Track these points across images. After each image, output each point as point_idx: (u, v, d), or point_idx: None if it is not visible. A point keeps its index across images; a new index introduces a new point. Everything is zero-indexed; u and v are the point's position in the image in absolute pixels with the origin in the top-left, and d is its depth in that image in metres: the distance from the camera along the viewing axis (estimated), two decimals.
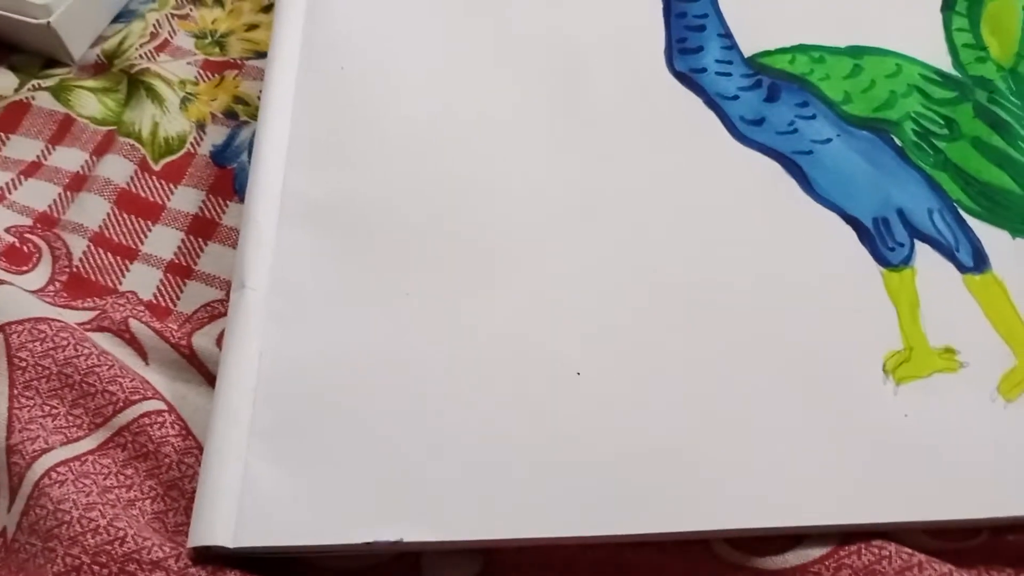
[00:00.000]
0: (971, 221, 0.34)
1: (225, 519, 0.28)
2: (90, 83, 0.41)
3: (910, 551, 0.28)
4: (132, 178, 0.38)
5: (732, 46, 0.39)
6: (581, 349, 0.32)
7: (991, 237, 0.34)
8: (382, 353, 0.32)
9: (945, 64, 0.38)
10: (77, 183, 0.38)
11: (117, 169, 0.38)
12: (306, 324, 0.32)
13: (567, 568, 0.30)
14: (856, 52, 0.39)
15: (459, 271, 0.33)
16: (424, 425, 0.30)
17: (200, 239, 0.37)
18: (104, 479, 0.30)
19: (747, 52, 0.39)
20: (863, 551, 0.28)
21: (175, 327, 0.34)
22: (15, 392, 0.31)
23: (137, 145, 0.39)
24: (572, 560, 0.30)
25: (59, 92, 0.40)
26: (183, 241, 0.37)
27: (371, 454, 0.30)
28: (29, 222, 0.36)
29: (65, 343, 0.32)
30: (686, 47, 0.39)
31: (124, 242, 0.36)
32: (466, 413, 0.30)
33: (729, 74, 0.38)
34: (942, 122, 0.37)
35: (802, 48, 0.39)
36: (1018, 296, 0.33)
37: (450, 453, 0.30)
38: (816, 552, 0.29)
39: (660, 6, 0.40)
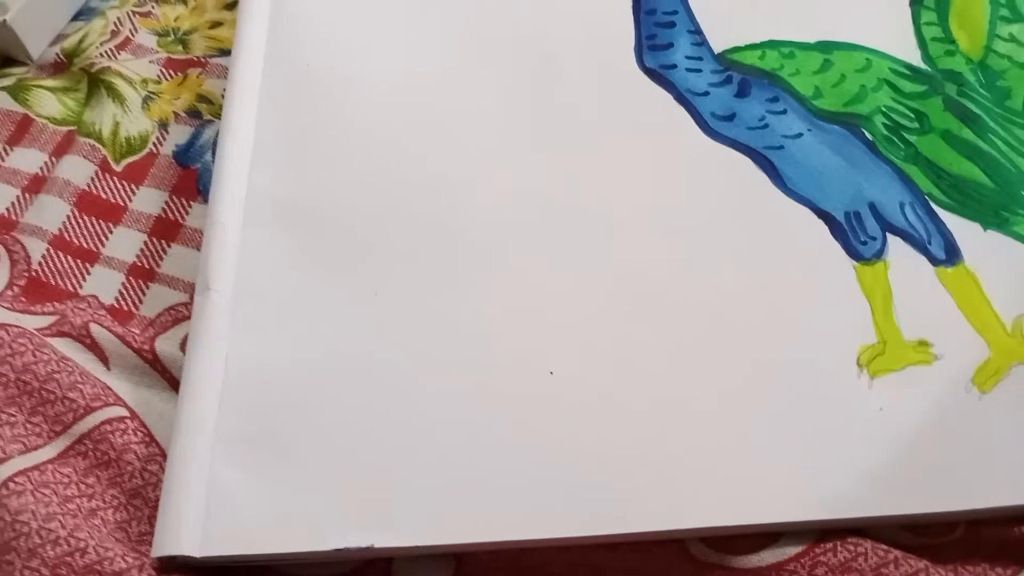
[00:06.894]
0: (943, 214, 0.34)
1: (191, 527, 0.28)
2: (49, 82, 0.40)
3: (886, 547, 0.28)
4: (93, 179, 0.37)
5: (702, 42, 0.39)
6: (553, 348, 0.31)
7: (963, 229, 0.34)
8: (350, 355, 0.31)
9: (915, 58, 0.38)
10: (36, 185, 0.37)
11: (77, 170, 0.37)
12: (272, 327, 0.32)
13: (541, 571, 0.29)
14: (826, 47, 0.39)
15: (428, 271, 0.33)
16: (394, 428, 0.30)
17: (163, 241, 0.36)
18: (64, 488, 0.29)
19: (717, 48, 0.39)
20: (839, 548, 0.28)
21: (137, 331, 0.33)
22: None
23: (98, 145, 0.38)
24: (546, 562, 0.29)
25: (17, 92, 0.39)
26: (145, 243, 0.36)
27: (340, 459, 0.29)
28: None
29: (23, 349, 0.31)
30: (656, 43, 0.39)
31: (85, 245, 0.36)
32: (436, 415, 0.30)
33: (699, 70, 0.38)
34: (912, 116, 0.37)
35: (772, 44, 0.39)
36: (990, 288, 0.33)
37: (421, 456, 0.29)
38: (792, 550, 0.28)
39: (629, 2, 0.40)
